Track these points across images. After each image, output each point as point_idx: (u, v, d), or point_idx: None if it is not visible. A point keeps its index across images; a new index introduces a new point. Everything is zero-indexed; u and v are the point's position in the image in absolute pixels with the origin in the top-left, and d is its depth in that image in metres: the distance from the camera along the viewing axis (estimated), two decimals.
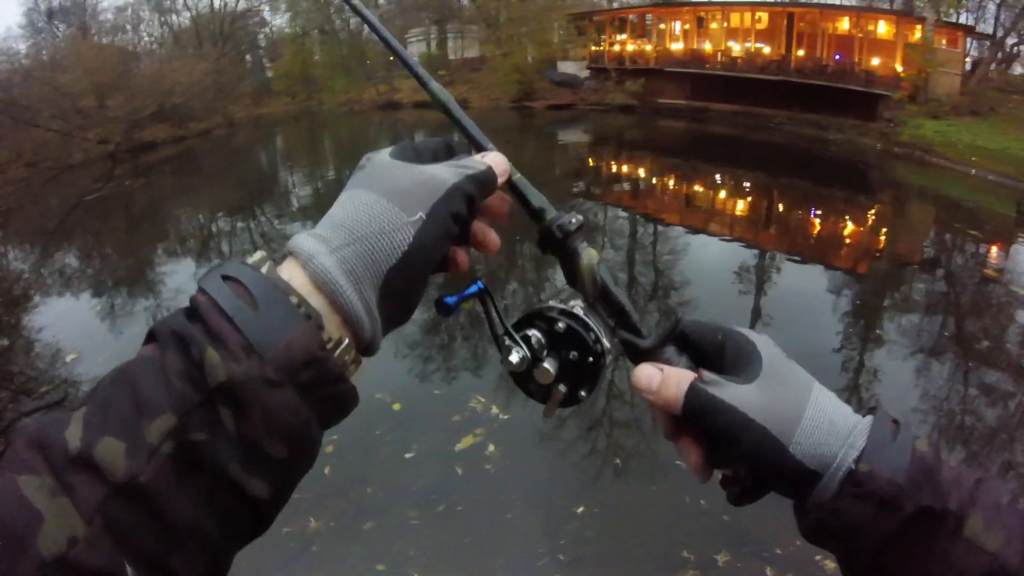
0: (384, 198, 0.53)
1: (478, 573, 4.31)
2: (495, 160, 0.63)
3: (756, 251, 9.66)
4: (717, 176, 14.17)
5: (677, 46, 23.65)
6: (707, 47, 22.57)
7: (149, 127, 29.84)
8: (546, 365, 0.64)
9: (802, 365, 0.61)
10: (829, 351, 6.72)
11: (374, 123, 30.65)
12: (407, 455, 5.69)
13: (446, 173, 0.56)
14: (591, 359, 0.64)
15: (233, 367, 0.43)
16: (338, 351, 0.49)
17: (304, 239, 0.52)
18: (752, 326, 6.76)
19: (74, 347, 9.20)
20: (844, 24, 21.16)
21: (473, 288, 0.69)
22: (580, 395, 0.66)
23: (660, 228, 11.30)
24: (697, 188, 13.93)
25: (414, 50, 37.35)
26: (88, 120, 28.22)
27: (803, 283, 8.87)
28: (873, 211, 12.91)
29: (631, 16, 26.63)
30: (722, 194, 13.23)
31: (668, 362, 0.61)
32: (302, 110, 35.40)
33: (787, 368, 0.57)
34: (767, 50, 21.26)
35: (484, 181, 0.60)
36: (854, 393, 6.03)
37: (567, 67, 27.34)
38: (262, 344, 0.44)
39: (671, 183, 14.76)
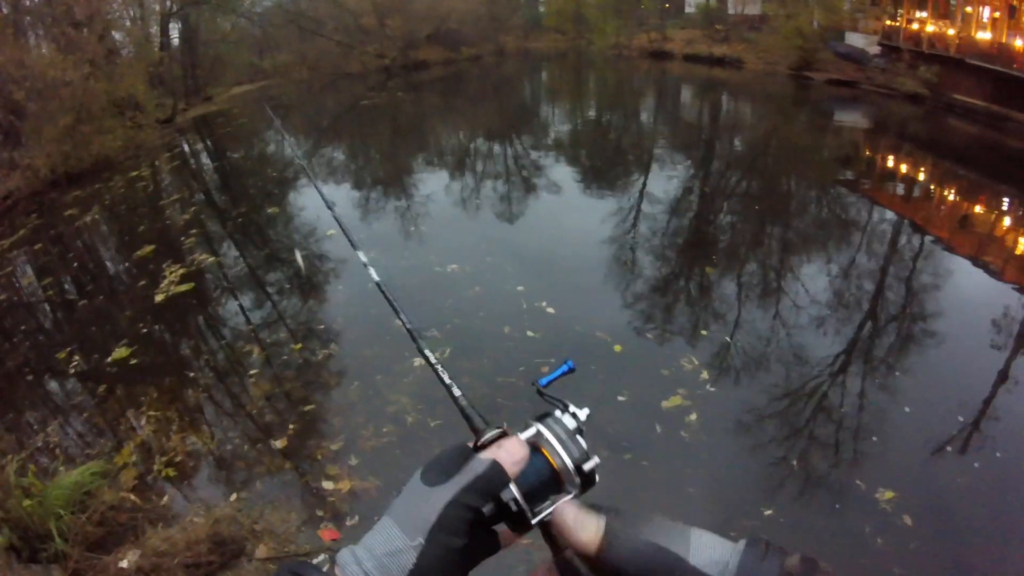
0: (396, 525, 0.61)
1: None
2: (508, 451, 0.65)
3: None
4: (1005, 200, 12.57)
5: (983, 35, 20.02)
6: (1018, 43, 18.66)
7: (423, 47, 31.96)
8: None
9: None
10: None
11: (641, 71, 30.33)
12: (620, 398, 6.02)
13: (445, 494, 0.61)
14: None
15: None
16: None
17: (345, 554, 0.61)
18: (996, 388, 6.14)
19: (332, 227, 10.43)
20: None
21: (563, 368, 0.77)
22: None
23: (925, 242, 10.35)
24: (977, 208, 12.42)
25: None
26: (368, 36, 30.96)
27: None
28: None
29: None
30: (1005, 222, 11.71)
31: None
32: (570, 48, 35.76)
33: (669, 527, 0.63)
34: None
35: (485, 488, 0.62)
36: None
37: (855, 39, 24.96)
38: None
39: (949, 195, 13.29)
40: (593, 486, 0.66)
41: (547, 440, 0.66)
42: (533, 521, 0.64)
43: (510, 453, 0.64)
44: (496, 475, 0.63)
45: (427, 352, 0.81)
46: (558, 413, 0.69)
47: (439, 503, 0.61)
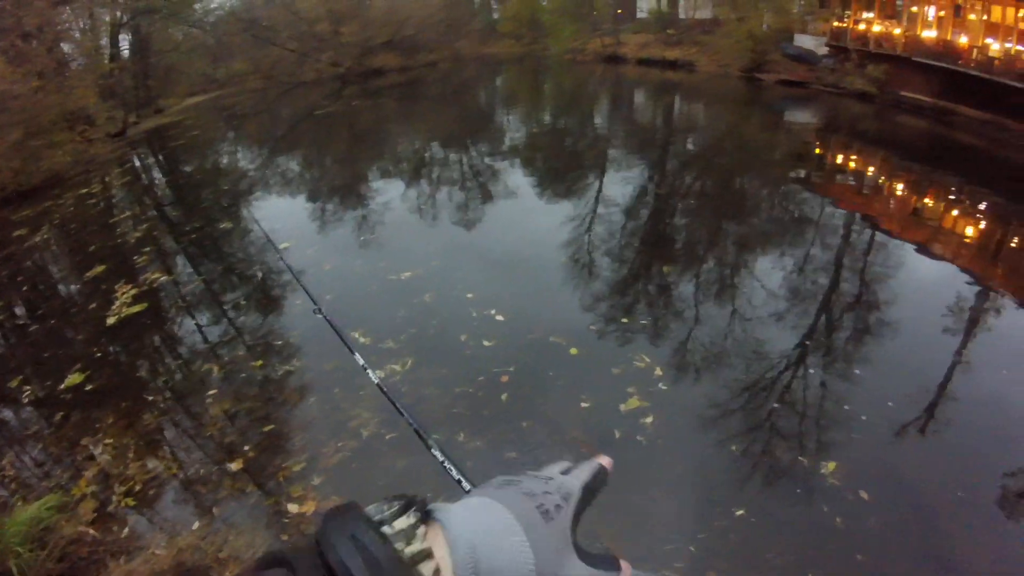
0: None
1: (599, 534, 4.27)
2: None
3: (978, 287, 8.79)
4: (952, 191, 12.93)
5: (929, 34, 20.65)
6: (963, 40, 19.51)
7: (379, 55, 31.67)
8: None
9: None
10: None
11: (596, 75, 30.47)
12: (583, 404, 6.07)
13: None
14: None
15: None
16: None
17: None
18: (951, 371, 6.31)
19: (287, 238, 10.26)
20: None
21: None
22: None
23: (877, 235, 10.56)
24: (927, 200, 12.76)
25: (643, 4, 36.49)
26: (323, 44, 30.56)
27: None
28: None
29: None
30: (954, 212, 12.04)
31: None
32: (526, 53, 35.84)
33: None
34: None
35: None
36: None
37: (804, 41, 25.41)
38: None
39: (899, 189, 13.60)
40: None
41: None
42: None
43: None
44: None
45: (436, 452, 0.87)
46: None
47: None
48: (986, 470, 5.29)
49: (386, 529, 0.49)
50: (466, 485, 0.79)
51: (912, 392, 6.23)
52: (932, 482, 5.16)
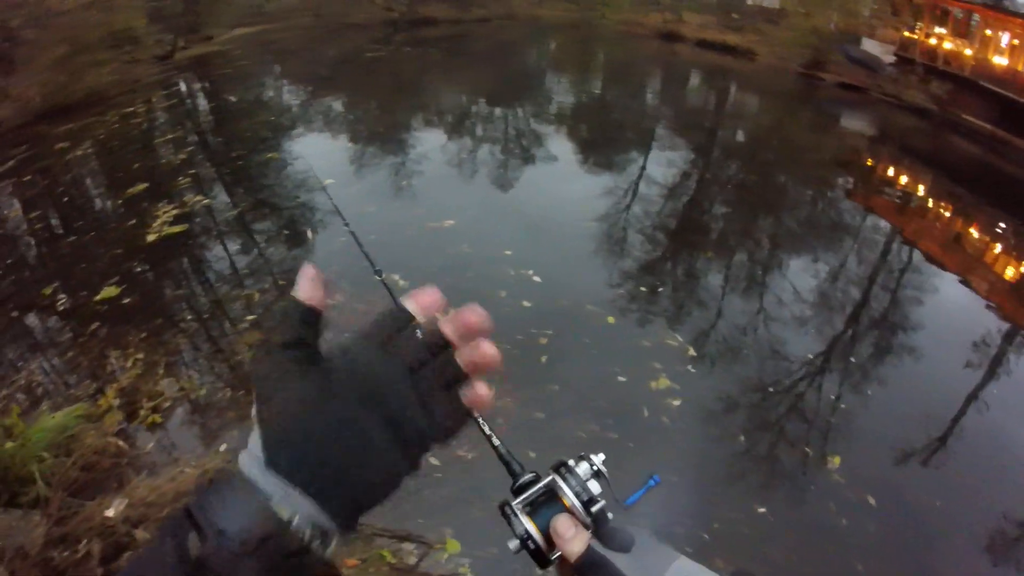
0: None
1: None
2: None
3: (1008, 326, 8.71)
4: (996, 223, 12.69)
5: (999, 60, 20.24)
6: None
7: (432, 4, 31.14)
8: None
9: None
10: None
11: (650, 50, 29.83)
12: (620, 378, 6.20)
13: None
14: None
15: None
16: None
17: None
18: (966, 406, 6.33)
19: (328, 175, 10.28)
20: None
21: (650, 483, 0.84)
22: None
23: (914, 257, 10.48)
24: (970, 230, 12.59)
25: None
26: None
27: None
28: None
29: (956, 10, 22.50)
30: (996, 247, 11.86)
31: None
32: (581, 19, 35.13)
33: (654, 546, 0.73)
34: None
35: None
36: None
37: (870, 46, 24.72)
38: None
39: (943, 213, 13.44)
40: (607, 524, 0.74)
41: (561, 487, 0.74)
42: (552, 557, 0.72)
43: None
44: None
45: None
46: (571, 462, 0.76)
47: None
48: (985, 505, 5.36)
49: None
50: (502, 448, 0.83)
51: (924, 420, 6.27)
52: (934, 506, 5.24)
